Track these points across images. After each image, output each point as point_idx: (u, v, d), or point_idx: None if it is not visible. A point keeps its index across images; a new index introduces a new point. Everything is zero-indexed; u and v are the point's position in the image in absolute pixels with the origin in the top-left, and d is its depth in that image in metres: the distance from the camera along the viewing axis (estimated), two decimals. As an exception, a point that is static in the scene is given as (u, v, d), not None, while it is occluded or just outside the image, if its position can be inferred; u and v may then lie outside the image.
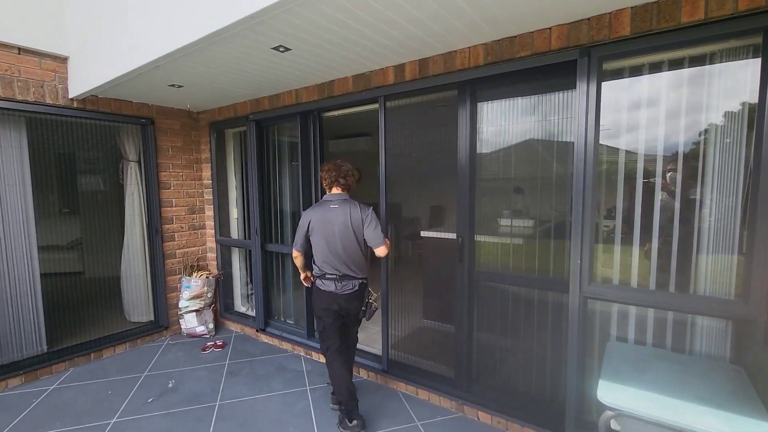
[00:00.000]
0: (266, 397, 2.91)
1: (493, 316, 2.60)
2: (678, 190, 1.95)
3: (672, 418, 1.43)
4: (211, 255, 4.43)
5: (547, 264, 2.41)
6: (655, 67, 1.99)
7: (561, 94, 2.25)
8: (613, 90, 2.05)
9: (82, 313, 4.17)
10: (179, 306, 4.04)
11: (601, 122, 2.02)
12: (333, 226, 2.40)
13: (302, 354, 3.61)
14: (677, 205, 1.95)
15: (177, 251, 4.17)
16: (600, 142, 2.03)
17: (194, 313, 4.02)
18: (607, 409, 1.57)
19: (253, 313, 4.27)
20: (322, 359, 3.46)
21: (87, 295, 4.79)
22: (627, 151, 2.07)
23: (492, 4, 1.84)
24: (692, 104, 1.91)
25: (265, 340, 3.96)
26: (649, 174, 2.01)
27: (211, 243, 4.41)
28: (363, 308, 2.51)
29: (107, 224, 5.21)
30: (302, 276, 2.73)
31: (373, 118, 2.95)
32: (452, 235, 2.75)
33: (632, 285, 2.09)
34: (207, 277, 4.10)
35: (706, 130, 1.89)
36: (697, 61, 1.89)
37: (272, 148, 3.88)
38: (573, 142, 2.08)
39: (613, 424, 1.59)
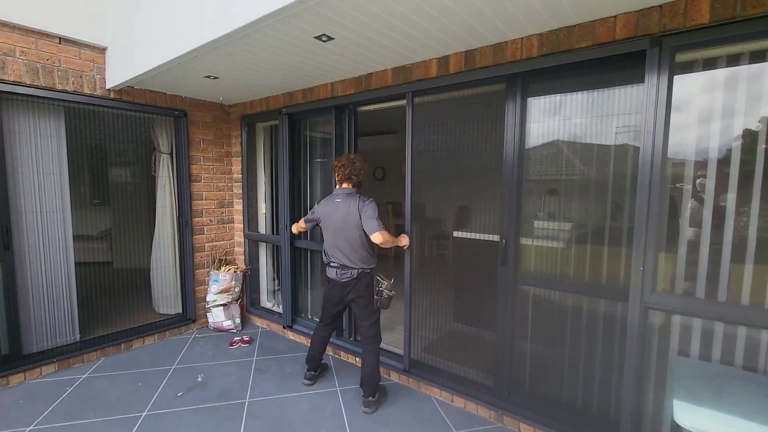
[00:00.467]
0: (296, 396, 2.84)
1: (537, 323, 2.47)
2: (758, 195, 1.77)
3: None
4: (239, 249, 4.41)
5: (599, 270, 2.26)
6: (733, 60, 1.81)
7: (622, 90, 2.09)
8: (686, 84, 1.88)
9: (112, 303, 4.20)
10: (207, 300, 4.03)
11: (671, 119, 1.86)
12: (335, 219, 2.60)
13: (330, 353, 3.54)
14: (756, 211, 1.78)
15: (206, 245, 4.16)
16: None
17: (221, 308, 4.00)
18: (684, 432, 1.43)
19: (278, 309, 4.23)
20: (351, 359, 3.39)
21: (116, 285, 4.85)
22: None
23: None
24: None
25: (292, 337, 3.91)
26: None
27: (239, 237, 4.39)
28: (375, 296, 2.63)
29: (136, 216, 5.27)
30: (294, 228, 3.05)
31: (400, 115, 2.87)
32: (493, 237, 2.62)
33: (698, 296, 1.93)
34: (235, 272, 4.08)
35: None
36: (785, 52, 1.71)
37: (303, 143, 3.82)
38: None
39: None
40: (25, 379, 3.00)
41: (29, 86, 2.88)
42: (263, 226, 4.35)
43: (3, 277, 2.91)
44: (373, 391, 2.67)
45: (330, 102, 3.28)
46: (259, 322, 4.29)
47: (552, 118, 2.33)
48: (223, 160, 4.27)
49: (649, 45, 1.84)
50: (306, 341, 3.74)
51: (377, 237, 2.52)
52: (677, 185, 1.95)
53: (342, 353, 3.47)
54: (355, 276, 2.62)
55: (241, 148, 4.21)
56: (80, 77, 3.13)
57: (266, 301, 4.44)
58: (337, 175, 2.69)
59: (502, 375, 2.55)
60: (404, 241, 2.80)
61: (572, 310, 2.35)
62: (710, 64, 1.86)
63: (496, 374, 2.59)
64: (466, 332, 3.40)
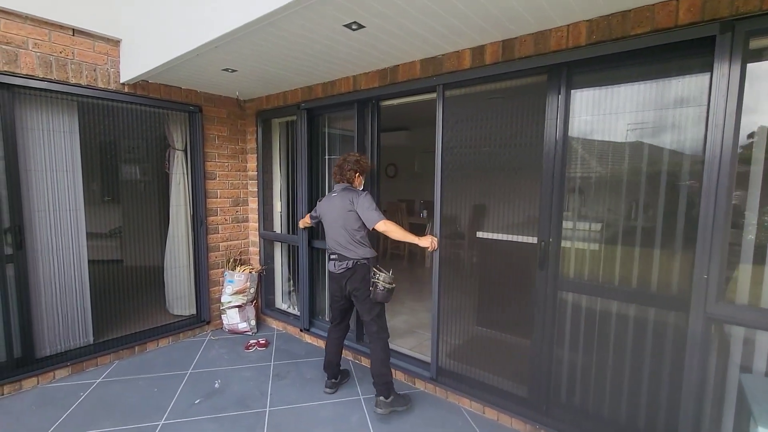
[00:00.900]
0: (318, 405, 2.71)
1: (577, 331, 2.30)
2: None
3: None
4: (254, 249, 4.29)
5: (648, 276, 2.09)
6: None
7: (683, 80, 1.91)
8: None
9: (124, 304, 4.10)
10: (222, 301, 3.92)
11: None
12: (332, 212, 2.68)
13: (350, 359, 3.41)
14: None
15: (220, 244, 4.04)
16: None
17: (236, 309, 3.89)
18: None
19: (294, 311, 4.10)
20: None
21: (127, 284, 4.75)
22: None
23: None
24: None
25: (309, 341, 3.78)
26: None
27: (253, 237, 4.26)
28: (370, 288, 2.58)
29: (148, 213, 5.17)
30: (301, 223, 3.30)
31: (416, 110, 2.71)
32: (530, 239, 2.46)
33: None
34: (250, 272, 3.96)
35: None
36: None
37: (322, 139, 3.68)
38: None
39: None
40: (38, 384, 2.90)
41: (42, 80, 2.76)
42: (278, 225, 4.22)
43: (16, 278, 2.81)
44: (384, 391, 2.57)
45: (352, 96, 3.13)
46: (275, 324, 4.17)
47: (600, 111, 2.16)
48: (238, 157, 4.15)
49: (719, 30, 1.67)
50: (324, 345, 3.60)
51: (380, 227, 2.53)
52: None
53: (362, 358, 3.33)
54: (350, 266, 2.61)
55: (257, 144, 4.08)
56: (94, 71, 3.01)
57: (281, 303, 4.32)
58: (335, 176, 2.80)
59: (538, 386, 2.40)
60: (425, 242, 2.65)
61: (618, 319, 2.18)
62: (785, 51, 1.69)
63: (532, 385, 2.44)
64: (497, 339, 3.25)
